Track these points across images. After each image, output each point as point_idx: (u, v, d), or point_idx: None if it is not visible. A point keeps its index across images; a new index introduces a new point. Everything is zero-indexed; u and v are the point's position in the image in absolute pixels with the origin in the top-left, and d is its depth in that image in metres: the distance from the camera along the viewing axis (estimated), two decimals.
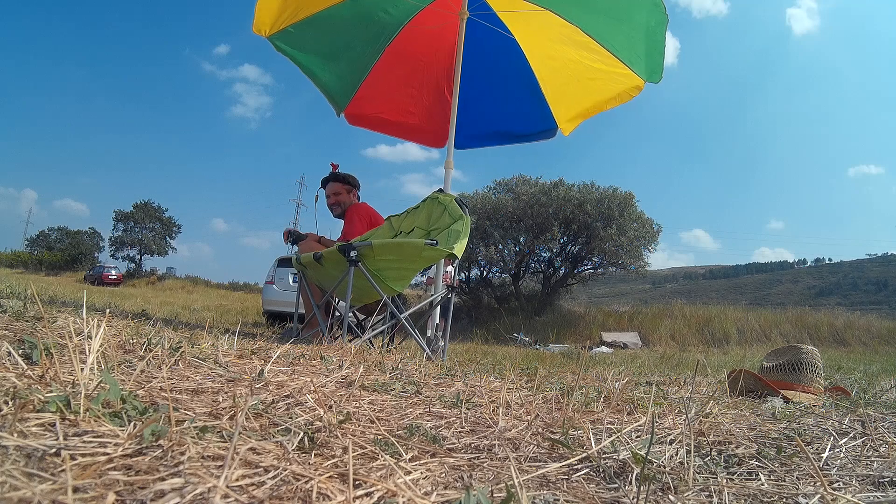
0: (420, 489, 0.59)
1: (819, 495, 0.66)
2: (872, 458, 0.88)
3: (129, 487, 0.48)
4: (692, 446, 0.78)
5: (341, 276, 2.52)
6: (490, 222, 14.98)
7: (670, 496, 0.66)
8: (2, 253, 45.07)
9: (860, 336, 11.89)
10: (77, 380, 0.72)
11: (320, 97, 3.87)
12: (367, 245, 2.41)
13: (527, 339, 10.53)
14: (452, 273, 4.17)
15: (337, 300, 3.00)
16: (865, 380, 2.85)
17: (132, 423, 0.62)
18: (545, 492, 0.64)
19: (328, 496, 0.52)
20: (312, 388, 0.99)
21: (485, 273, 16.55)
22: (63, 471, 0.48)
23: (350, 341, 2.34)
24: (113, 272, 30.75)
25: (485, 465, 0.72)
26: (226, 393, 0.89)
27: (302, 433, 0.69)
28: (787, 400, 1.70)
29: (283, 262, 8.77)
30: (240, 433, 0.65)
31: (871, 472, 0.79)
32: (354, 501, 0.52)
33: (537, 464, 0.75)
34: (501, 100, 4.11)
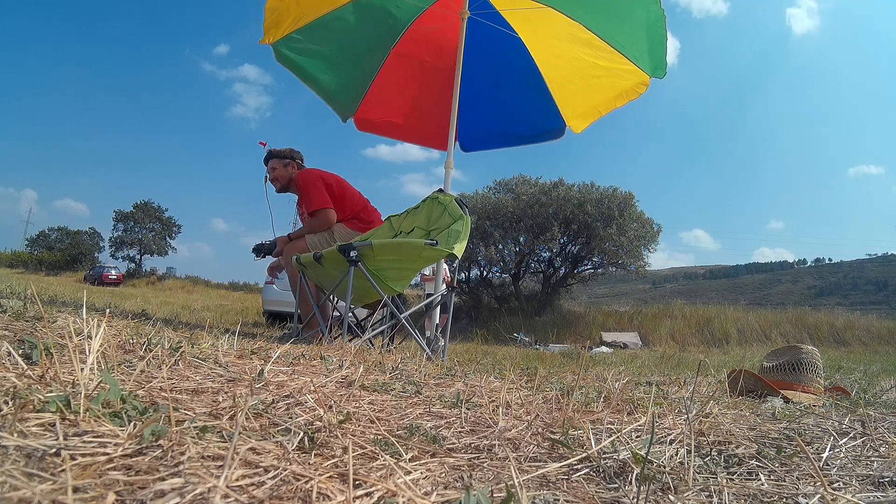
0: (420, 489, 0.59)
1: (819, 495, 0.66)
2: (872, 458, 0.88)
3: (129, 487, 0.48)
4: (692, 446, 0.78)
5: (341, 276, 2.52)
6: (490, 222, 14.98)
7: (670, 496, 0.66)
8: (2, 253, 45.08)
9: (860, 336, 11.89)
10: (77, 380, 0.72)
11: (319, 98, 3.86)
12: (367, 245, 2.41)
13: (527, 339, 10.53)
14: (452, 273, 4.16)
15: (337, 300, 3.00)
16: (865, 380, 2.85)
17: (132, 423, 0.62)
18: (545, 492, 0.64)
19: (328, 496, 0.52)
20: (312, 388, 0.99)
21: (485, 273, 16.55)
22: (63, 471, 0.48)
23: (350, 341, 2.34)
24: (113, 272, 30.76)
25: (485, 465, 0.72)
26: (226, 393, 0.89)
27: (302, 433, 0.69)
28: (787, 400, 1.70)
29: None
30: (240, 433, 0.65)
31: (871, 472, 0.79)
32: (354, 501, 0.53)
33: (537, 464, 0.75)
34: (509, 100, 4.08)
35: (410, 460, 0.68)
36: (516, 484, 0.59)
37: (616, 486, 0.69)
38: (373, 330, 2.78)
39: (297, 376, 1.11)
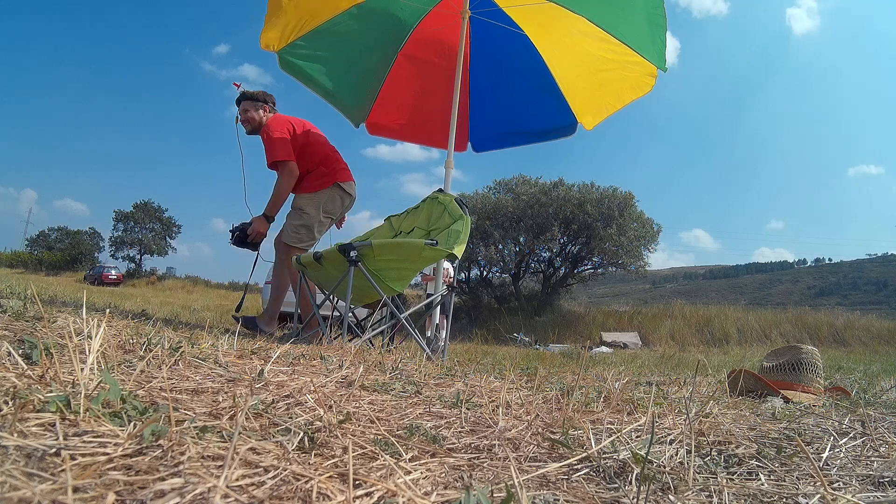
0: (420, 489, 0.59)
1: (819, 495, 0.66)
2: (872, 458, 0.88)
3: (129, 487, 0.48)
4: (692, 446, 0.78)
5: (341, 276, 2.52)
6: (490, 222, 14.98)
7: (670, 496, 0.66)
8: (2, 253, 45.08)
9: (860, 336, 11.90)
10: (77, 380, 0.72)
11: (320, 97, 3.86)
12: (367, 245, 2.41)
13: (527, 339, 10.53)
14: (453, 272, 4.16)
15: (337, 300, 3.00)
16: (865, 380, 2.85)
17: (132, 423, 0.62)
18: (545, 492, 0.64)
19: (328, 496, 0.52)
20: (312, 388, 0.99)
21: (485, 273, 16.56)
22: (63, 471, 0.48)
23: (350, 341, 2.34)
24: (113, 272, 30.76)
25: (485, 465, 0.72)
26: (226, 393, 0.89)
27: (302, 433, 0.69)
28: (787, 400, 1.70)
29: None
30: (240, 433, 0.65)
31: (871, 472, 0.79)
32: (354, 501, 0.52)
33: (537, 464, 0.75)
34: (519, 98, 4.07)
35: (410, 460, 0.68)
36: (516, 484, 0.59)
37: (616, 486, 0.69)
38: (373, 330, 2.78)
39: (297, 376, 1.11)
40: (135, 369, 0.91)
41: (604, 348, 9.91)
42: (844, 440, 0.98)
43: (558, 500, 0.62)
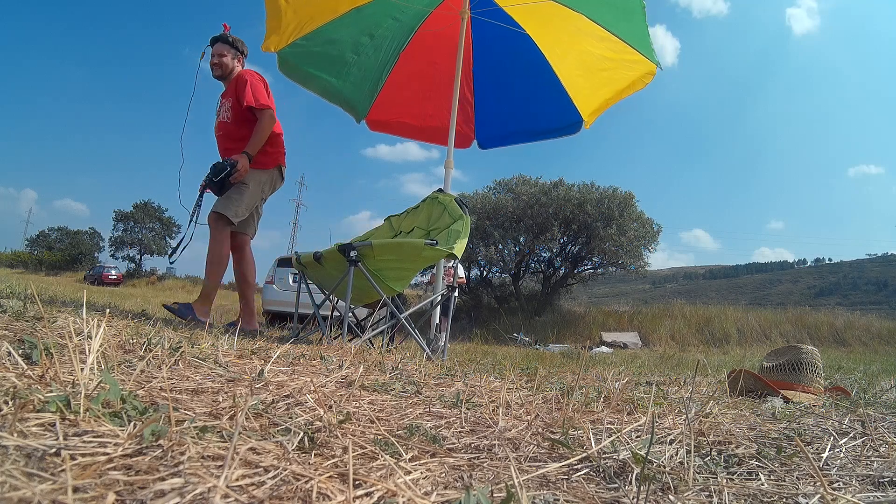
0: (420, 489, 0.59)
1: (819, 495, 0.66)
2: (872, 458, 0.88)
3: (129, 487, 0.48)
4: (692, 446, 0.78)
5: (341, 276, 2.52)
6: (490, 222, 14.98)
7: (670, 496, 0.66)
8: (2, 253, 45.09)
9: (860, 336, 11.90)
10: (77, 380, 0.72)
11: (320, 97, 3.87)
12: (367, 245, 2.41)
13: (527, 339, 10.53)
14: (455, 271, 4.15)
15: (337, 300, 3.00)
16: (865, 380, 2.85)
17: (132, 423, 0.62)
18: (545, 492, 0.64)
19: (328, 496, 0.52)
20: (312, 388, 0.99)
21: (485, 273, 16.55)
22: (63, 471, 0.48)
23: (350, 341, 2.34)
24: (113, 272, 30.75)
25: (485, 465, 0.72)
26: (226, 393, 0.89)
27: (302, 433, 0.69)
28: (787, 400, 1.70)
29: (283, 262, 8.78)
30: (240, 433, 0.65)
31: (871, 472, 0.79)
32: (354, 501, 0.52)
33: (537, 464, 0.75)
34: (523, 96, 4.09)
35: (410, 460, 0.68)
36: (516, 484, 0.59)
37: (616, 486, 0.69)
38: (373, 330, 2.78)
39: (297, 376, 1.11)
40: (135, 369, 0.91)
41: (604, 348, 9.91)
42: (844, 440, 0.98)
43: (558, 500, 0.62)
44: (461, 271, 4.74)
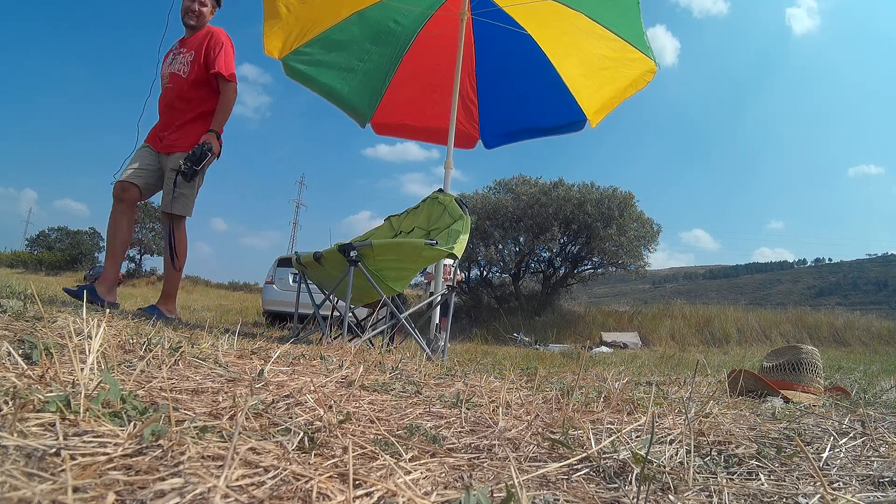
0: (420, 489, 0.59)
1: (819, 495, 0.66)
2: (872, 458, 0.88)
3: (129, 487, 0.48)
4: (692, 446, 0.78)
5: (341, 276, 2.52)
6: (490, 222, 14.97)
7: (670, 496, 0.66)
8: (2, 253, 45.05)
9: (860, 336, 11.89)
10: (77, 380, 0.72)
11: (320, 97, 3.88)
12: (367, 245, 2.41)
13: (527, 339, 10.52)
14: (453, 270, 4.16)
15: (337, 300, 3.00)
16: (865, 380, 2.85)
17: (132, 423, 0.62)
18: (545, 492, 0.64)
19: (328, 496, 0.52)
20: (312, 388, 0.99)
21: (485, 273, 16.55)
22: (63, 471, 0.48)
23: (350, 341, 2.34)
24: None
25: (485, 465, 0.72)
26: (226, 393, 0.89)
27: (302, 433, 0.69)
28: (787, 400, 1.70)
29: (283, 262, 8.78)
30: (240, 433, 0.65)
31: (871, 472, 0.79)
32: (354, 501, 0.52)
33: (537, 464, 0.75)
34: (526, 96, 4.11)
35: (410, 460, 0.68)
36: (516, 484, 0.59)
37: (616, 486, 0.69)
38: (373, 330, 2.78)
39: (297, 376, 1.11)
40: (135, 369, 0.91)
41: (604, 348, 9.91)
42: (844, 440, 0.98)
43: (558, 500, 0.62)
44: (453, 268, 4.76)
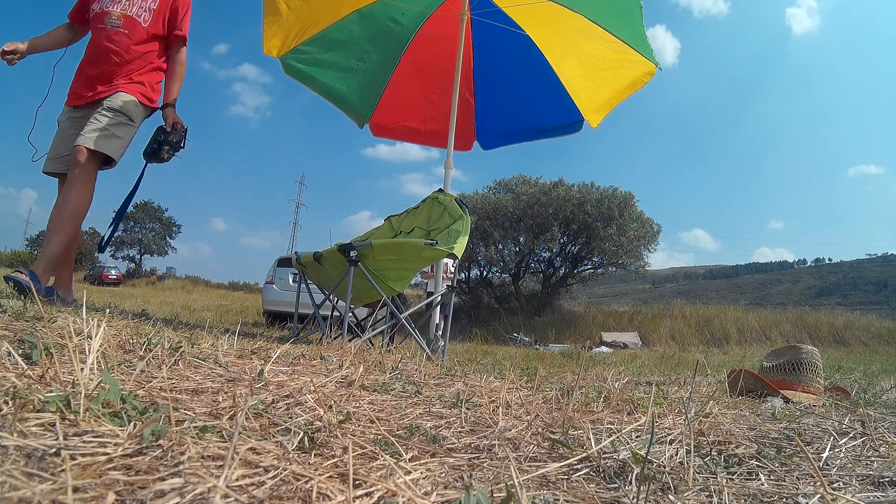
0: (420, 489, 0.59)
1: (819, 495, 0.66)
2: (872, 458, 0.88)
3: (129, 487, 0.48)
4: (692, 446, 0.78)
5: (341, 276, 2.52)
6: (490, 222, 14.97)
7: (670, 496, 0.66)
8: (2, 253, 44.97)
9: (860, 336, 11.89)
10: (77, 380, 0.72)
11: (320, 97, 3.88)
12: (367, 245, 2.41)
13: (527, 339, 10.52)
14: (453, 270, 4.16)
15: (337, 300, 3.00)
16: (865, 380, 2.85)
17: (132, 423, 0.62)
18: (545, 492, 0.64)
19: (328, 496, 0.52)
20: (312, 388, 0.99)
21: (485, 273, 16.55)
22: (63, 471, 0.48)
23: (350, 341, 2.34)
24: (113, 272, 30.72)
25: (485, 464, 0.72)
26: (226, 393, 0.89)
27: (302, 433, 0.69)
28: (787, 400, 1.70)
29: (283, 262, 8.78)
30: (240, 433, 0.65)
31: (871, 472, 0.79)
32: (354, 501, 0.52)
33: (537, 464, 0.75)
34: (524, 97, 4.12)
35: (410, 460, 0.68)
36: (516, 484, 0.59)
37: (616, 486, 0.69)
38: (373, 330, 2.78)
39: (297, 376, 1.11)
40: (135, 369, 0.91)
41: (604, 348, 9.91)
42: (844, 440, 0.98)
43: (558, 500, 0.62)
44: (450, 266, 4.77)
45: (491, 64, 4.10)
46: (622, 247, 14.51)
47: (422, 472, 0.64)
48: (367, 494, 0.54)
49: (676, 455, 0.80)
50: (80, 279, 29.89)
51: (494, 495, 0.61)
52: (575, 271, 16.43)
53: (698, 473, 0.74)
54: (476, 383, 1.39)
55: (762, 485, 0.71)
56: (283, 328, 4.50)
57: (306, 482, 0.54)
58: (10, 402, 0.62)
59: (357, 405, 0.95)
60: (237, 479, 0.52)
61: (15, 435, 0.54)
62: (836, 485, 0.74)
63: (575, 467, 0.74)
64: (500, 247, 15.40)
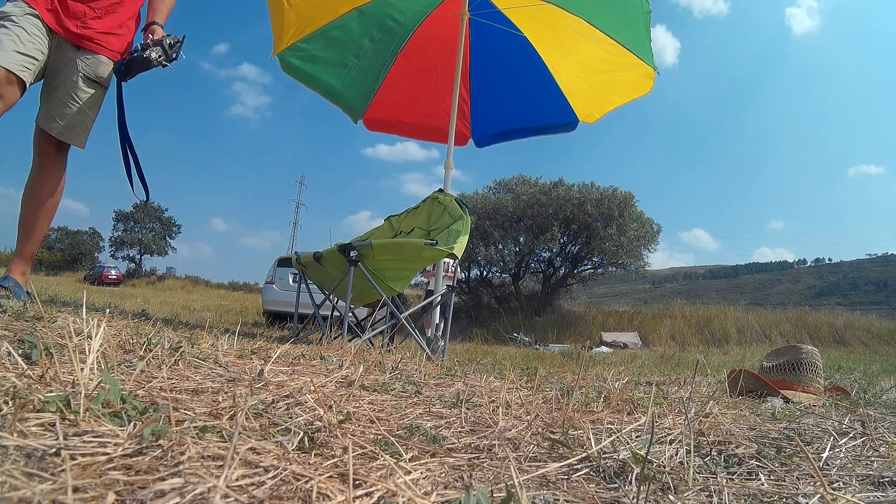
0: (420, 489, 0.59)
1: (819, 495, 0.66)
2: (872, 458, 0.88)
3: (129, 487, 0.48)
4: (692, 446, 0.78)
5: (341, 276, 2.52)
6: (490, 222, 14.98)
7: (670, 496, 0.66)
8: (2, 253, 45.01)
9: (860, 336, 11.90)
10: (77, 380, 0.72)
11: (320, 97, 3.89)
12: (367, 245, 2.41)
13: (527, 339, 10.53)
14: (453, 270, 4.18)
15: (337, 300, 3.00)
16: (865, 380, 2.85)
17: (132, 423, 0.62)
18: (545, 492, 0.64)
19: (328, 496, 0.52)
20: (312, 388, 0.99)
21: (485, 273, 16.55)
22: (63, 471, 0.48)
23: (350, 341, 2.34)
24: (113, 272, 30.74)
25: (485, 465, 0.72)
26: (226, 393, 0.89)
27: (302, 433, 0.69)
28: (787, 400, 1.70)
29: (283, 262, 8.78)
30: (240, 433, 0.65)
31: (871, 472, 0.79)
32: (354, 501, 0.52)
33: (537, 464, 0.75)
34: (519, 97, 4.15)
35: (410, 460, 0.68)
36: (516, 484, 0.59)
37: (616, 485, 0.69)
38: (373, 330, 2.78)
39: (297, 376, 1.11)
40: (135, 369, 0.91)
41: (604, 348, 9.91)
42: (844, 440, 0.98)
43: (558, 500, 0.62)
44: (451, 265, 4.78)
45: (487, 63, 4.13)
46: (622, 247, 14.52)
47: (422, 472, 0.64)
48: (367, 494, 0.54)
49: (676, 455, 0.80)
50: (79, 279, 29.91)
51: (494, 495, 0.61)
52: (575, 271, 16.43)
53: (698, 473, 0.74)
54: (476, 383, 1.39)
55: (762, 485, 0.71)
56: (283, 328, 4.50)
57: (306, 482, 0.54)
58: (10, 402, 0.62)
59: (357, 405, 0.95)
60: (237, 479, 0.52)
61: (15, 435, 0.54)
62: (836, 485, 0.74)
63: (575, 467, 0.74)
64: (500, 247, 15.41)
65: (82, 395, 0.64)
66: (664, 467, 0.74)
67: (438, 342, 2.82)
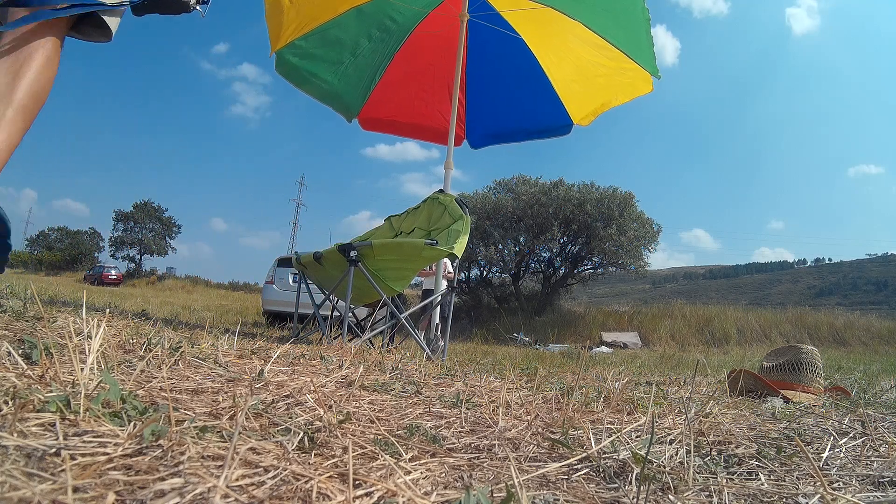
0: (420, 489, 0.59)
1: (819, 495, 0.66)
2: (872, 458, 0.88)
3: (129, 487, 0.48)
4: (692, 446, 0.78)
5: (341, 276, 2.52)
6: (490, 222, 14.98)
7: (670, 496, 0.65)
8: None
9: (860, 336, 11.90)
10: (77, 380, 0.72)
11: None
12: (367, 245, 2.41)
13: (527, 339, 10.53)
14: (452, 270, 4.18)
15: (337, 300, 3.00)
16: (865, 380, 2.85)
17: (132, 423, 0.62)
18: (545, 492, 0.64)
19: (328, 496, 0.52)
20: (312, 388, 0.99)
21: (485, 273, 16.55)
22: (63, 471, 0.48)
23: (350, 341, 2.34)
24: (113, 272, 30.73)
25: (485, 464, 0.72)
26: (226, 393, 0.89)
27: (302, 433, 0.69)
28: (787, 400, 1.70)
29: (283, 262, 8.78)
30: (240, 433, 0.65)
31: (871, 472, 0.79)
32: (354, 501, 0.52)
33: (537, 464, 0.75)
34: (515, 99, 4.17)
35: (410, 460, 0.68)
36: (516, 484, 0.59)
37: (616, 485, 0.69)
38: (373, 330, 2.78)
39: (297, 376, 1.11)
40: (135, 369, 0.91)
41: (604, 348, 9.91)
42: (844, 440, 0.98)
43: (558, 500, 0.62)
44: (448, 265, 4.78)
45: (484, 65, 4.15)
46: (622, 247, 14.52)
47: (422, 472, 0.64)
48: (367, 494, 0.54)
49: (676, 455, 0.80)
50: (79, 279, 29.91)
51: (494, 495, 0.61)
52: (575, 271, 16.44)
53: (698, 473, 0.74)
54: (476, 383, 1.39)
55: (762, 485, 0.71)
56: (283, 328, 4.50)
57: (306, 482, 0.54)
58: (10, 402, 0.62)
59: (357, 405, 0.95)
60: (237, 479, 0.52)
61: (15, 435, 0.54)
62: (836, 485, 0.74)
63: (575, 467, 0.74)
64: (500, 247, 15.41)
65: (82, 395, 0.64)
66: (664, 467, 0.74)
67: (438, 342, 2.82)
